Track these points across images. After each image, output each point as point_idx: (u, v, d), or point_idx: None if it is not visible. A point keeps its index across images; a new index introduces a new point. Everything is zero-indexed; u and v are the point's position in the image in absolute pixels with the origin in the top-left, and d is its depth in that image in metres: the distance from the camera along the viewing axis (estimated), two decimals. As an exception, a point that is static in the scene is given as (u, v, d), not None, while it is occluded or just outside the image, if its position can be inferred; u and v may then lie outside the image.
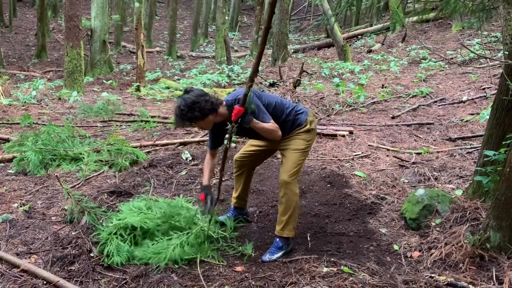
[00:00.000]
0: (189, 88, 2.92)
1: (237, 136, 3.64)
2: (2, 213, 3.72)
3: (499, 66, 9.51)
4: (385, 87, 9.25)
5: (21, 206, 3.88)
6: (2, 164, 5.03)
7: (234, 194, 3.62)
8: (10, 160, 5.05)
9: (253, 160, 3.51)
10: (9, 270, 2.89)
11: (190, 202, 3.79)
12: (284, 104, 3.17)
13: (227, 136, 3.04)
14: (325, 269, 2.87)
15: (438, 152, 5.24)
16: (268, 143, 3.30)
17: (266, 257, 3.08)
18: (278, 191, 3.18)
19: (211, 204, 3.13)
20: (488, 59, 9.60)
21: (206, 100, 2.83)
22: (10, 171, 4.83)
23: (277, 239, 3.17)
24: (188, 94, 2.85)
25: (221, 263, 3.02)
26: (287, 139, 3.17)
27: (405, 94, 8.66)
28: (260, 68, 14.54)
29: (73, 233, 3.31)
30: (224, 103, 2.98)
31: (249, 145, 3.46)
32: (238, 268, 2.96)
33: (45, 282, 2.74)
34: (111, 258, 2.97)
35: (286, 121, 3.14)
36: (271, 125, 2.98)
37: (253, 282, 2.77)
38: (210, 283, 2.76)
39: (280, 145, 3.21)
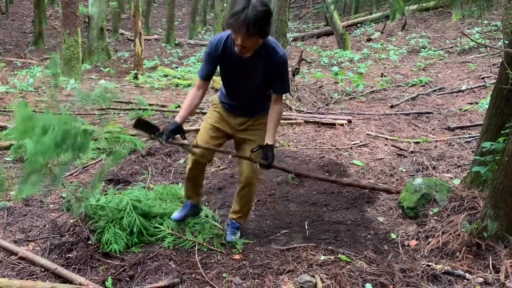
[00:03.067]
0: None
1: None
2: (0, 201, 3.71)
3: (498, 55, 9.48)
4: (384, 76, 9.22)
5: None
6: (0, 152, 5.01)
7: (195, 193, 3.14)
8: (7, 148, 5.03)
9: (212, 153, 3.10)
10: (7, 258, 2.89)
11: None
12: None
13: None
14: (322, 257, 2.88)
15: (436, 141, 5.24)
16: (230, 129, 2.91)
17: (230, 237, 3.11)
18: (241, 185, 2.95)
19: (165, 136, 2.59)
20: (488, 48, 9.55)
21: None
22: (8, 158, 4.82)
23: (233, 221, 3.15)
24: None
25: (219, 249, 3.03)
26: (251, 125, 2.86)
27: (404, 83, 8.64)
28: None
29: (71, 221, 3.30)
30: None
31: (207, 140, 2.90)
32: (236, 256, 2.97)
33: (43, 270, 2.74)
34: (109, 246, 2.97)
35: (266, 96, 2.82)
36: (280, 110, 2.77)
37: (250, 270, 2.77)
38: (208, 271, 2.76)
39: (243, 133, 2.88)
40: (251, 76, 2.68)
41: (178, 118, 2.68)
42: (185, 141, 2.77)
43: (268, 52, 2.54)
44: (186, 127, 6.02)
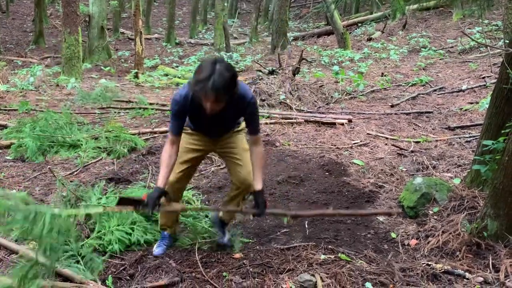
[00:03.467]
0: (220, 59, 2.38)
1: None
2: (0, 199, 3.71)
3: (499, 55, 9.47)
4: (385, 76, 9.22)
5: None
6: (0, 151, 5.01)
7: (171, 221, 3.00)
8: (8, 147, 5.04)
9: (190, 175, 3.00)
10: (8, 256, 2.90)
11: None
12: None
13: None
14: (322, 256, 2.88)
15: (436, 140, 5.24)
16: (208, 145, 2.88)
17: (227, 239, 3.08)
18: (238, 190, 2.85)
19: (150, 206, 2.48)
20: (488, 48, 9.55)
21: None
22: (8, 157, 4.83)
23: (221, 220, 3.08)
24: (227, 63, 2.36)
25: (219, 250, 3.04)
26: (229, 137, 2.84)
27: (405, 83, 8.64)
28: (259, 55, 14.47)
29: (71, 220, 3.31)
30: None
31: (182, 164, 2.80)
32: (236, 255, 2.97)
33: (43, 267, 2.74)
34: (109, 246, 2.98)
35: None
36: (261, 151, 2.74)
37: (251, 269, 2.78)
38: (208, 270, 2.77)
39: (223, 145, 2.86)
40: (221, 122, 2.70)
41: (160, 183, 2.54)
42: (173, 205, 2.69)
43: (237, 100, 2.50)
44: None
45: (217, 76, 2.24)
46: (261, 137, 2.78)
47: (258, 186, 2.67)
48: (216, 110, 2.40)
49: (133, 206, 2.52)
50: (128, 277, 2.72)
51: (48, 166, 4.06)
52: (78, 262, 2.82)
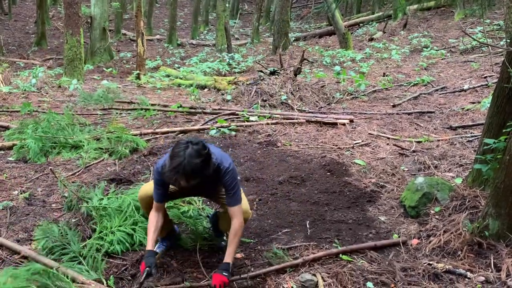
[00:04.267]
0: (195, 141, 2.47)
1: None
2: (3, 200, 3.73)
3: (501, 54, 9.45)
4: (386, 76, 9.22)
5: (21, 193, 3.90)
6: (2, 152, 5.03)
7: (162, 231, 2.93)
8: (10, 148, 5.06)
9: (170, 196, 2.93)
10: (10, 257, 2.92)
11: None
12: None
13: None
14: (324, 256, 2.88)
15: (438, 140, 5.23)
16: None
17: (223, 244, 3.06)
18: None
19: (146, 277, 2.52)
20: (490, 47, 9.53)
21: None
22: (10, 158, 4.84)
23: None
24: (199, 146, 2.43)
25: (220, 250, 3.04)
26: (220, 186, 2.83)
27: (406, 83, 8.63)
28: (260, 56, 14.48)
29: (73, 220, 3.32)
30: None
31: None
32: (238, 255, 2.97)
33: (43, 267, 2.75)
34: (111, 247, 2.98)
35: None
36: (238, 226, 2.64)
37: (252, 269, 2.78)
38: (210, 270, 2.77)
39: (215, 193, 2.89)
40: (201, 192, 2.87)
41: (150, 247, 2.62)
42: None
43: (214, 172, 2.55)
44: (188, 126, 6.04)
45: (187, 163, 2.34)
46: (239, 209, 2.65)
47: (226, 259, 2.61)
48: (191, 185, 2.47)
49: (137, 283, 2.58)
50: (129, 277, 2.73)
51: (50, 167, 4.07)
52: (80, 263, 2.83)
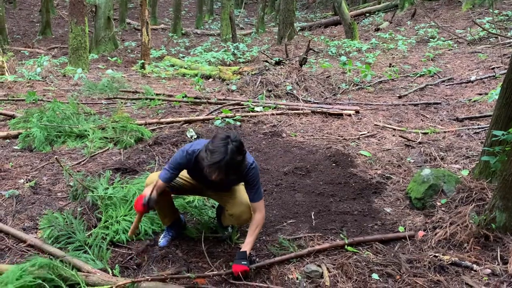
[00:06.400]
0: (233, 137, 2.44)
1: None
2: (9, 189, 3.74)
3: (509, 45, 9.34)
4: (393, 66, 9.14)
5: (27, 182, 3.91)
6: (8, 141, 5.04)
7: (168, 217, 3.00)
8: (15, 137, 5.06)
9: (177, 189, 2.94)
10: (16, 245, 2.93)
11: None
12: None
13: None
14: (329, 247, 2.88)
15: (445, 132, 5.19)
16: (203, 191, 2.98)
17: (226, 235, 3.08)
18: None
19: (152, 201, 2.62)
20: (499, 38, 9.42)
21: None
22: (16, 147, 4.85)
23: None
24: (238, 144, 2.42)
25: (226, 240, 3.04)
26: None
27: (413, 74, 8.55)
28: (265, 46, 14.39)
29: (79, 209, 3.33)
30: None
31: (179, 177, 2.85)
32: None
33: (51, 257, 2.76)
34: (116, 236, 2.99)
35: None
36: (259, 219, 2.70)
37: (257, 259, 2.78)
38: (215, 259, 2.77)
39: (222, 193, 2.91)
40: (220, 185, 2.74)
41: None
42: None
43: None
44: (192, 116, 6.03)
45: (230, 160, 2.36)
46: (261, 204, 2.72)
47: (244, 248, 2.66)
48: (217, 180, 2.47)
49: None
50: (135, 267, 2.74)
51: (55, 156, 4.07)
52: (85, 252, 2.84)
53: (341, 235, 3.07)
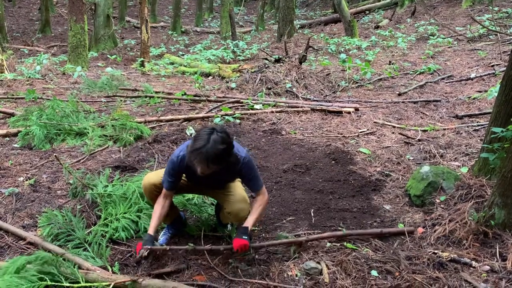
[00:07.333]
0: (219, 128, 2.45)
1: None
2: (8, 187, 3.75)
3: (509, 42, 9.34)
4: (392, 64, 9.13)
5: (26, 180, 3.91)
6: (8, 139, 5.04)
7: (167, 219, 2.97)
8: (15, 135, 5.07)
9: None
10: (16, 243, 2.93)
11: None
12: None
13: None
14: (328, 244, 2.88)
15: (444, 129, 5.19)
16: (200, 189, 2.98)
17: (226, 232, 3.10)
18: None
19: (146, 259, 2.63)
20: (498, 35, 9.41)
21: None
22: (16, 145, 4.85)
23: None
24: (223, 134, 2.41)
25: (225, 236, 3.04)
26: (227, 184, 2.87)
27: (412, 71, 8.55)
28: (265, 43, 14.37)
29: (78, 207, 3.33)
30: None
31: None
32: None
33: (51, 255, 2.76)
34: (116, 233, 2.99)
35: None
36: (263, 200, 2.74)
37: (256, 256, 2.79)
38: (214, 257, 2.78)
39: (220, 191, 2.87)
40: (215, 183, 2.76)
41: (151, 232, 2.67)
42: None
43: (230, 164, 2.56)
44: (192, 114, 6.03)
45: (211, 147, 2.33)
46: (264, 190, 2.75)
47: (247, 223, 2.68)
48: (207, 173, 2.47)
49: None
50: (134, 264, 2.74)
51: (55, 154, 4.08)
52: (85, 249, 2.85)
53: (340, 226, 3.07)
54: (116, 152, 4.66)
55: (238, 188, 2.83)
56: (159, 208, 2.72)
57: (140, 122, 5.38)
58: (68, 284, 2.40)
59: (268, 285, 2.51)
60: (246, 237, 2.60)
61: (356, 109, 6.17)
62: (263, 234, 3.11)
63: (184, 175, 2.79)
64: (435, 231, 2.99)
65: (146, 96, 7.01)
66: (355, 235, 2.99)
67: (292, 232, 3.09)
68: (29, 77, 8.61)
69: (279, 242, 2.85)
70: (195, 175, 2.55)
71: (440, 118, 5.77)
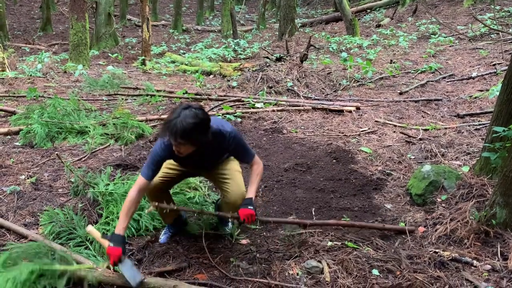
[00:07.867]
0: (195, 105, 2.40)
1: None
2: (10, 185, 3.75)
3: (511, 42, 9.32)
4: (394, 63, 9.12)
5: (28, 178, 3.92)
6: (9, 137, 5.05)
7: (167, 216, 2.91)
8: (17, 133, 5.07)
9: (172, 185, 2.94)
10: (17, 241, 2.94)
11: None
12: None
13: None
14: (329, 243, 2.89)
15: (445, 128, 5.19)
16: (195, 171, 2.93)
17: (227, 230, 3.10)
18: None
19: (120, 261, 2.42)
20: (500, 34, 9.39)
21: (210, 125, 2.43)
22: (17, 143, 4.86)
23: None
24: (198, 111, 2.34)
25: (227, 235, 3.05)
26: (222, 163, 2.81)
27: (414, 70, 8.54)
28: (266, 42, 14.36)
29: (80, 205, 3.34)
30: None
31: (167, 168, 2.80)
32: (243, 241, 2.98)
33: (52, 253, 2.77)
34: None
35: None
36: (258, 169, 2.72)
37: (257, 255, 2.79)
38: (215, 255, 2.78)
39: (213, 170, 2.82)
40: (204, 161, 2.69)
41: (120, 231, 2.45)
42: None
43: (215, 141, 2.49)
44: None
45: (180, 121, 2.28)
46: (256, 159, 2.74)
47: (249, 194, 2.67)
48: (185, 152, 2.41)
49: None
50: (136, 262, 2.75)
51: (56, 152, 4.07)
52: (87, 248, 2.85)
53: (343, 217, 3.08)
54: (118, 151, 4.67)
55: (234, 172, 2.77)
56: (129, 205, 2.48)
57: (141, 121, 5.39)
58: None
59: (269, 284, 2.51)
60: (251, 207, 2.58)
61: (357, 108, 6.17)
62: (264, 233, 3.11)
63: (174, 162, 2.74)
64: (436, 230, 2.99)
65: (147, 95, 7.01)
66: (358, 226, 3.03)
67: (293, 231, 3.09)
68: (31, 75, 8.62)
69: (285, 220, 2.90)
70: (180, 158, 2.50)
71: (442, 117, 5.76)
